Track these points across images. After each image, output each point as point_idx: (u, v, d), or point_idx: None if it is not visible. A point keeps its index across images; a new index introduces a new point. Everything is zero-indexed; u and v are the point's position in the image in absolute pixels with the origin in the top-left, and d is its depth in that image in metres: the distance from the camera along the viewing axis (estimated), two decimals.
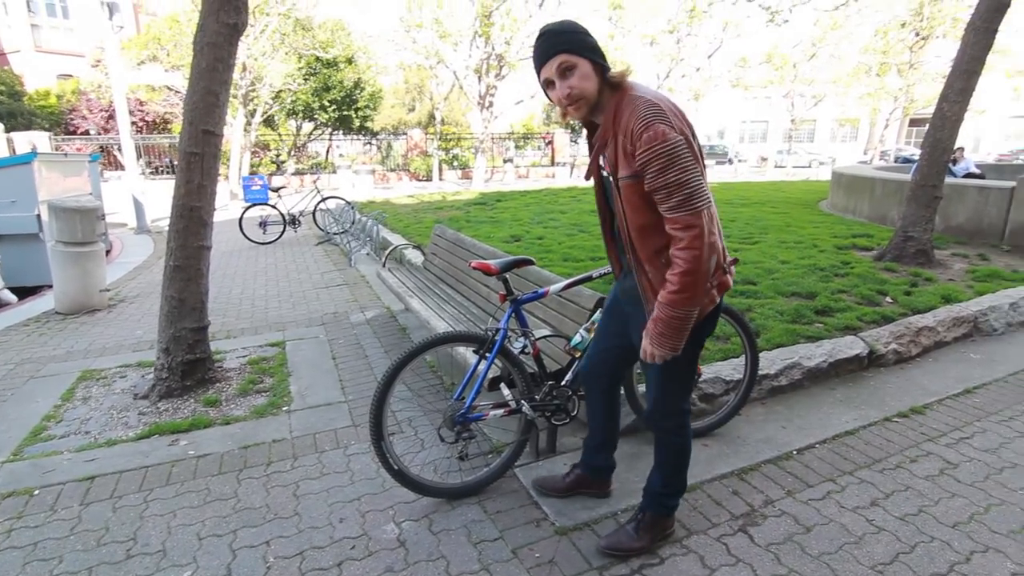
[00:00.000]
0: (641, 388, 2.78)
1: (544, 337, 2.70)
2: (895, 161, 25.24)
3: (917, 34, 24.45)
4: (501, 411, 2.36)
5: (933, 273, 5.25)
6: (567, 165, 23.10)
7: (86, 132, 22.09)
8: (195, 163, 3.32)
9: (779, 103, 32.08)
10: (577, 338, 2.43)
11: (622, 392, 2.48)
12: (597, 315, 2.47)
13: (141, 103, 21.11)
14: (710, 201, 1.58)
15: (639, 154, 1.53)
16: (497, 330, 2.31)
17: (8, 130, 19.23)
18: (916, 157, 7.18)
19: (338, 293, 5.76)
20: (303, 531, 2.21)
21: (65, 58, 27.27)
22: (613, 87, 1.65)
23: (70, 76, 26.10)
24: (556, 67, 1.60)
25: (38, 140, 16.98)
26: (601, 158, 1.75)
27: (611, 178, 1.71)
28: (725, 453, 2.68)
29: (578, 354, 2.44)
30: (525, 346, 2.42)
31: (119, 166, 19.03)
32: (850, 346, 3.57)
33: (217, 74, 3.28)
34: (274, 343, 4.30)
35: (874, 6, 22.30)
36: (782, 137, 38.84)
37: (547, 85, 1.67)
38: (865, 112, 31.35)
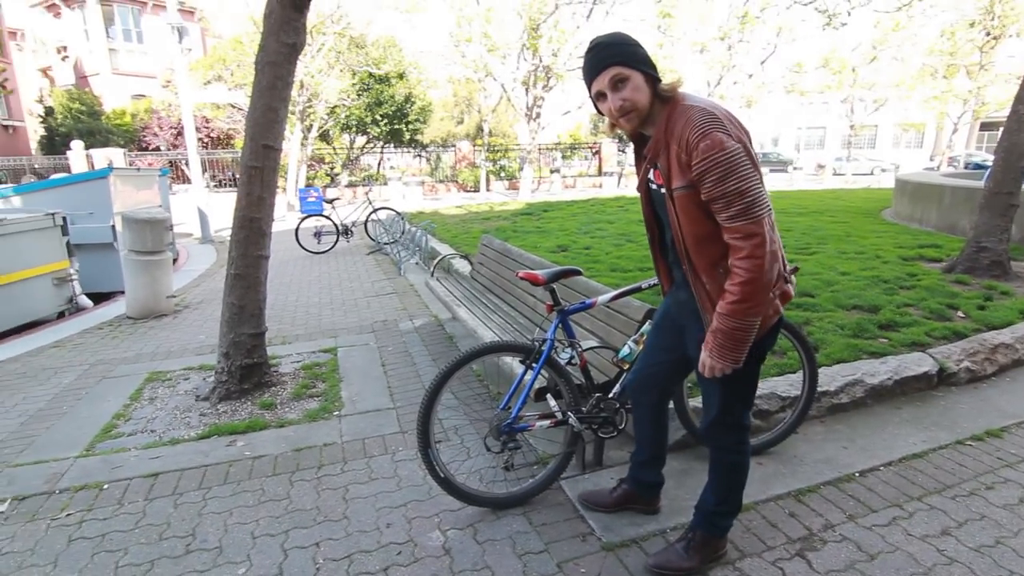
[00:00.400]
0: (693, 403, 2.71)
1: (591, 348, 2.67)
2: (965, 167, 23.83)
3: (988, 33, 23.12)
4: (547, 422, 2.35)
5: (1010, 287, 4.90)
6: (614, 175, 22.91)
7: (157, 148, 23.48)
8: (255, 176, 3.46)
9: (837, 108, 30.86)
10: (625, 350, 2.39)
11: (671, 406, 2.42)
12: (646, 327, 2.43)
13: (207, 120, 22.31)
14: (770, 209, 1.55)
15: (696, 164, 1.51)
16: (544, 340, 2.30)
17: (87, 147, 20.69)
18: (989, 163, 6.73)
19: (388, 301, 5.88)
20: (351, 534, 2.24)
21: (139, 80, 29.15)
22: (664, 99, 1.64)
23: (143, 96, 27.89)
24: (608, 79, 1.59)
25: (114, 156, 18.17)
26: (651, 170, 1.74)
27: (662, 190, 1.67)
28: (781, 473, 2.57)
29: (626, 366, 2.40)
30: (572, 357, 2.40)
31: (186, 179, 20.13)
32: (918, 363, 3.37)
33: (277, 91, 3.43)
34: (327, 349, 4.41)
35: (940, 5, 21.23)
36: (841, 143, 37.33)
37: (598, 97, 1.66)
38: (931, 116, 29.80)
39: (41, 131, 27.16)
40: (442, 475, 2.26)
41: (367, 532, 2.25)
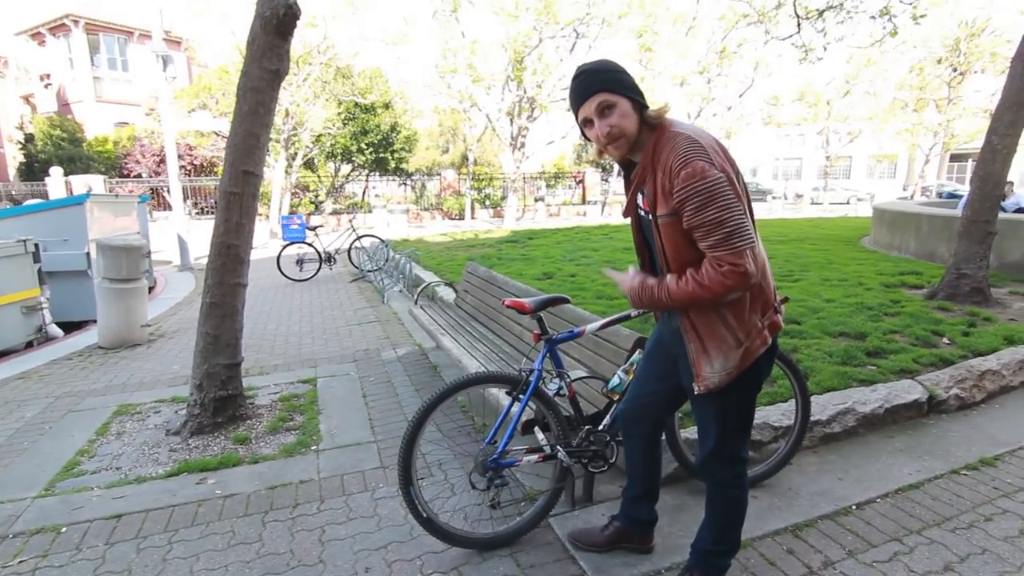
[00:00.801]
0: (685, 434, 2.63)
1: (580, 379, 2.58)
2: (938, 196, 24.49)
3: (955, 69, 24.05)
4: (535, 456, 2.25)
5: (991, 312, 4.94)
6: (598, 203, 23.14)
7: (139, 175, 23.23)
8: (234, 202, 3.38)
9: (813, 140, 31.72)
10: (615, 380, 2.32)
11: (663, 438, 2.34)
12: (636, 356, 2.36)
13: (190, 148, 22.17)
14: (752, 241, 1.51)
15: (677, 191, 1.49)
16: (531, 371, 2.22)
17: (67, 173, 20.39)
18: (961, 192, 6.79)
19: (370, 330, 5.77)
20: None
21: (123, 107, 28.99)
22: (652, 125, 1.62)
23: (126, 123, 27.71)
24: (595, 106, 1.58)
25: (94, 183, 17.92)
26: (639, 196, 1.72)
27: (649, 216, 1.65)
28: (777, 506, 2.48)
29: (616, 397, 2.32)
30: (560, 388, 2.32)
31: (168, 206, 19.88)
32: (908, 391, 3.34)
33: (258, 117, 3.37)
34: (306, 380, 4.28)
35: (910, 42, 22.09)
36: (817, 174, 38.26)
37: (585, 124, 1.64)
38: (903, 148, 30.70)
39: (20, 157, 26.78)
40: (424, 515, 2.14)
41: None
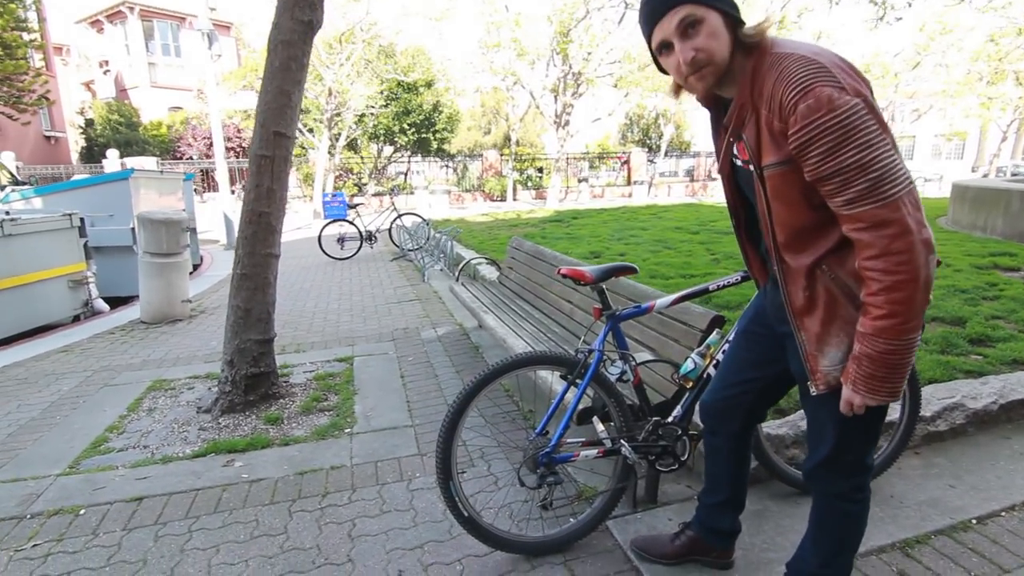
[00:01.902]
0: (769, 429, 2.26)
1: (646, 363, 2.25)
2: (1012, 176, 22.63)
3: None
4: (594, 451, 1.93)
5: None
6: (644, 184, 22.39)
7: (190, 158, 23.86)
8: (265, 167, 3.15)
9: None
10: (688, 365, 1.97)
11: None
12: (713, 337, 2.01)
13: (239, 130, 22.57)
14: (910, 183, 1.11)
15: (795, 132, 1.12)
16: (590, 351, 1.90)
17: (123, 156, 21.07)
18: None
19: (410, 308, 5.58)
20: None
21: (176, 92, 29.79)
22: (748, 47, 1.23)
23: (179, 108, 28.48)
24: (677, 23, 1.21)
25: (147, 165, 18.40)
26: (734, 144, 1.35)
27: (750, 167, 1.30)
28: (879, 517, 2.09)
29: (689, 384, 1.98)
30: (624, 372, 1.98)
31: (218, 188, 20.32)
32: None
33: (290, 73, 3.12)
34: (342, 358, 4.11)
35: (992, 5, 20.27)
36: None
37: (661, 49, 1.28)
38: (974, 126, 28.51)
39: (81, 142, 27.91)
40: (466, 513, 1.86)
41: None
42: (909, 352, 1.15)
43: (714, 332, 2.06)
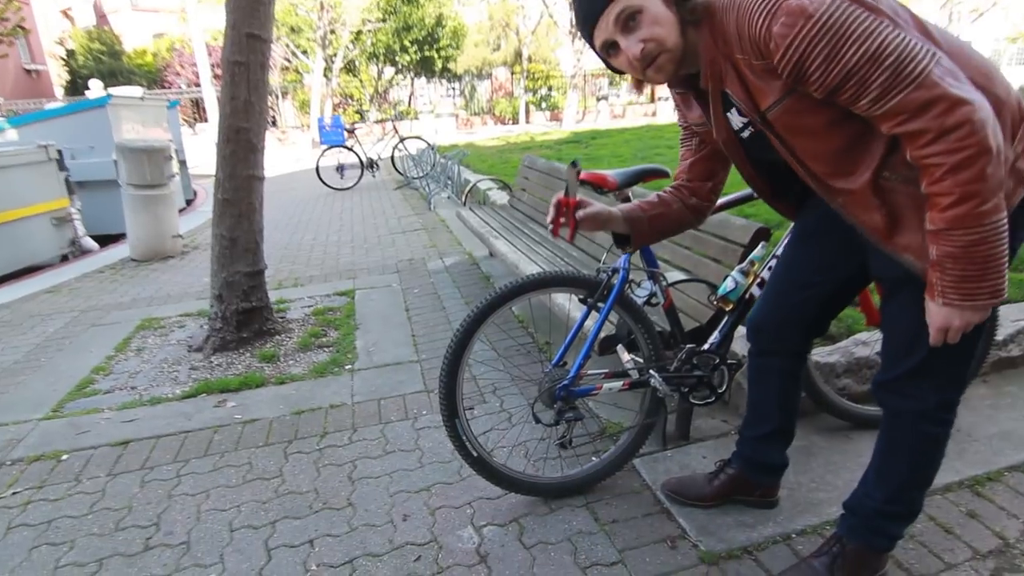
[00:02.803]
0: (817, 356, 2.08)
1: (678, 283, 2.05)
2: None
3: None
4: (619, 383, 1.77)
5: None
6: (669, 100, 21.45)
7: (179, 87, 23.28)
8: (240, 75, 2.89)
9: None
10: (728, 284, 1.77)
11: None
12: (758, 251, 1.80)
13: None
14: (934, 53, 0.99)
15: (782, 58, 1.05)
16: (614, 270, 1.71)
17: (107, 87, 20.60)
18: None
19: (415, 239, 5.44)
20: (356, 529, 1.78)
21: (159, 16, 28.73)
22: (696, 16, 1.16)
23: (163, 35, 27.53)
24: (615, 19, 1.17)
25: (132, 94, 17.97)
26: (726, 112, 1.28)
27: (750, 129, 1.26)
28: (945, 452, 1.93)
29: (729, 307, 1.79)
30: (654, 294, 1.80)
31: (208, 119, 19.90)
32: None
33: None
34: (343, 292, 4.01)
35: None
36: None
37: (608, 51, 1.23)
38: None
39: (64, 75, 27.31)
40: (475, 454, 1.75)
41: (377, 527, 1.78)
42: (998, 238, 1.00)
43: (759, 246, 1.84)
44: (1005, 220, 1.00)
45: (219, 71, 3.05)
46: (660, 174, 1.75)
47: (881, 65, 0.98)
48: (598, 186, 1.69)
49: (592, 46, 1.26)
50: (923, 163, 1.01)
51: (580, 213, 1.47)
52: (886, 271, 1.21)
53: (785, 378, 1.58)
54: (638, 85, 1.31)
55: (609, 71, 1.32)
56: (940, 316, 1.08)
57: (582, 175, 1.68)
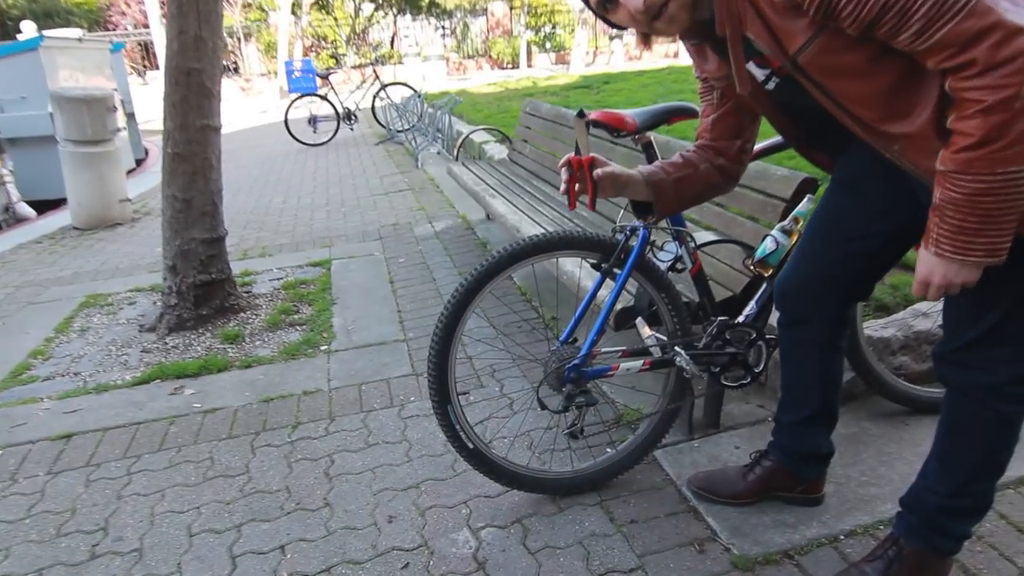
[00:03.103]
0: (869, 330, 2.03)
1: (709, 244, 2.00)
2: None
3: None
4: (638, 362, 1.74)
5: None
6: None
7: (125, 29, 22.93)
8: (188, 5, 2.81)
9: None
10: (768, 245, 1.72)
11: None
12: (803, 207, 1.74)
13: None
14: None
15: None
16: (633, 231, 1.66)
17: (41, 29, 20.28)
18: None
19: (400, 200, 5.43)
20: (334, 533, 1.76)
21: None
22: None
23: None
24: None
25: (70, 36, 17.70)
26: (748, 61, 1.26)
27: (775, 79, 1.26)
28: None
29: (768, 272, 1.74)
30: (679, 257, 1.74)
31: (159, 66, 19.63)
32: None
33: None
34: (317, 262, 4.02)
35: None
36: None
37: (605, 5, 1.22)
38: None
39: None
40: (470, 445, 1.72)
41: (358, 530, 1.76)
42: (1011, 195, 0.98)
43: (804, 200, 1.77)
44: (1022, 176, 0.97)
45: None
46: (688, 113, 1.69)
47: None
48: (614, 128, 1.62)
49: (586, 3, 1.26)
50: (960, 95, 0.98)
51: (598, 172, 1.43)
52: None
53: (824, 351, 1.54)
54: (644, 40, 1.29)
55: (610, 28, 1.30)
56: (925, 266, 1.10)
57: (594, 115, 1.62)
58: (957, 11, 0.93)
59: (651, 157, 1.68)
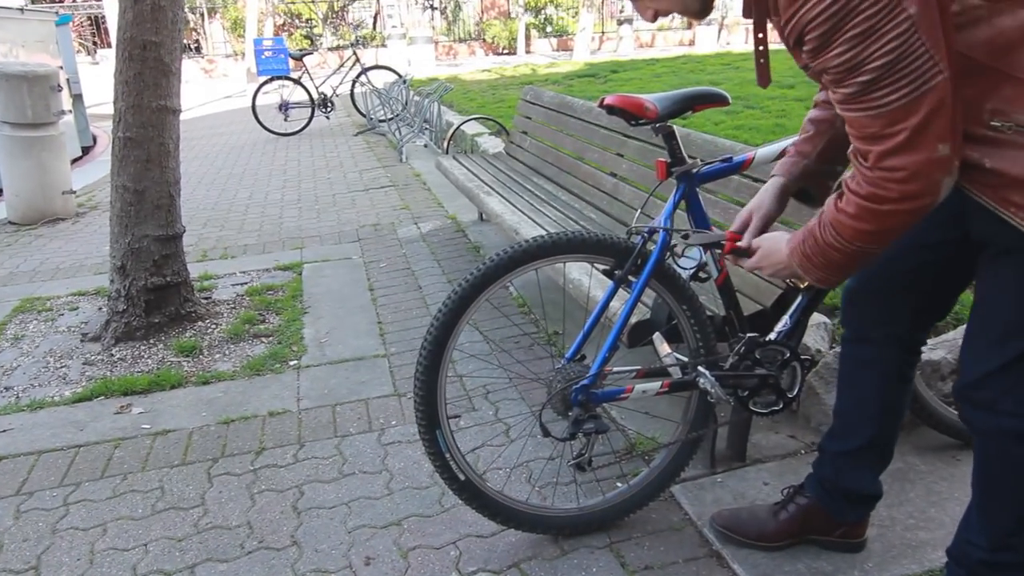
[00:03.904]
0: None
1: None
2: None
3: None
4: (655, 384, 1.72)
5: None
6: (713, 25, 21.36)
7: (73, 0, 22.97)
8: None
9: None
10: None
11: None
12: None
13: None
14: (931, 81, 1.01)
15: (783, 23, 1.11)
16: (651, 232, 1.66)
17: None
18: None
19: (382, 198, 5.49)
20: None
21: None
22: None
23: None
24: None
25: (9, 6, 17.69)
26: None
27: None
28: None
29: (804, 284, 1.72)
30: (704, 265, 1.73)
31: (110, 43, 19.65)
32: None
33: None
34: (287, 266, 4.06)
35: None
36: None
37: None
38: None
39: None
40: (461, 477, 1.69)
41: (330, 573, 1.74)
42: (856, 260, 1.21)
43: None
44: (872, 251, 1.18)
45: None
46: (717, 100, 1.67)
47: (861, 69, 1.03)
48: (632, 114, 1.60)
49: None
50: (846, 187, 1.15)
51: (744, 241, 1.52)
52: (992, 234, 1.16)
53: (889, 378, 1.53)
54: (652, 17, 1.33)
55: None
56: (766, 250, 1.39)
57: (609, 99, 1.61)
58: (880, 102, 1.03)
59: (673, 149, 1.66)
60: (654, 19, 1.36)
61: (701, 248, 1.74)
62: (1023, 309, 1.14)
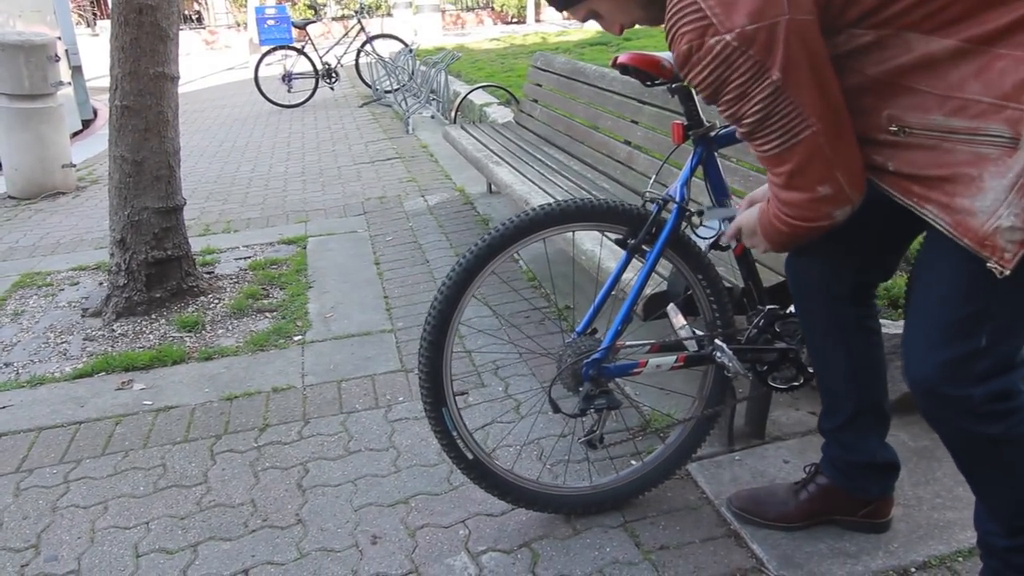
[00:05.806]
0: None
1: None
2: None
3: None
4: (670, 358, 1.71)
5: None
6: None
7: None
8: None
9: None
10: None
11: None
12: None
13: None
14: (800, 135, 1.13)
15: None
16: (665, 200, 1.62)
17: None
18: None
19: (388, 170, 5.49)
20: (307, 555, 1.73)
21: None
22: None
23: None
24: (583, 16, 1.38)
25: None
26: None
27: None
28: None
29: None
30: (722, 234, 1.68)
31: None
32: None
33: None
34: (291, 239, 4.07)
35: None
36: None
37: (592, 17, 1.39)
38: None
39: None
40: (469, 455, 1.68)
41: (336, 552, 1.74)
42: (795, 233, 1.29)
43: None
44: (812, 228, 1.25)
45: None
46: None
47: (744, 121, 1.17)
48: (648, 74, 1.55)
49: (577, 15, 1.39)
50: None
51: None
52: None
53: (850, 335, 1.54)
54: (619, 28, 1.39)
55: None
56: (759, 216, 1.36)
57: (623, 57, 1.57)
58: (766, 142, 1.17)
59: (690, 111, 1.62)
60: (620, 32, 1.43)
61: (718, 219, 1.70)
62: (934, 298, 1.22)
